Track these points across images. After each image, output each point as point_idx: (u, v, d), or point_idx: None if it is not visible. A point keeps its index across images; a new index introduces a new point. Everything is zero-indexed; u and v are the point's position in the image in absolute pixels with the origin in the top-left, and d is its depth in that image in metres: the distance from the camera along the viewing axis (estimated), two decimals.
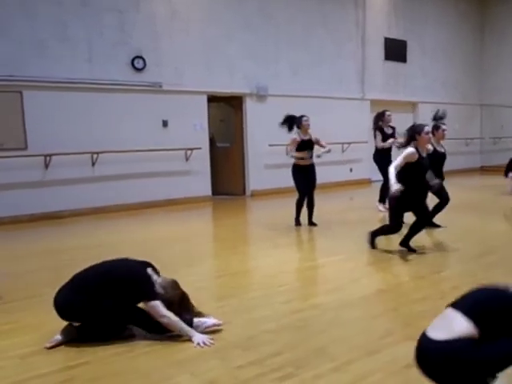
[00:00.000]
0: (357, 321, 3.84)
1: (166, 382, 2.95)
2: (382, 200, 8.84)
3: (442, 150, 7.30)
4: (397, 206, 5.65)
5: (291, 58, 12.41)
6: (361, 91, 14.11)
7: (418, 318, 3.93)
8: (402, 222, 5.85)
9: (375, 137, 9.03)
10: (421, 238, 6.53)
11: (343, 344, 3.40)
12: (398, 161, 5.61)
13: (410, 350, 3.25)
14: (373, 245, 6.10)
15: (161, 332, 3.51)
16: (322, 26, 13.03)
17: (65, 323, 3.54)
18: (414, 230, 5.93)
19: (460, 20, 16.90)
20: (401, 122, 15.08)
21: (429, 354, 2.33)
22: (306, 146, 7.62)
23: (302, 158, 7.62)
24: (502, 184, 11.23)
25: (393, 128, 9.12)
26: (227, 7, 11.27)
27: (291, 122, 7.60)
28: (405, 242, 5.96)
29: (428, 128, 5.89)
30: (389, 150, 8.92)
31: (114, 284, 3.50)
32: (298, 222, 7.83)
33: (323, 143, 7.75)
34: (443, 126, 7.30)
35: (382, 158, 8.69)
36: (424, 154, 5.76)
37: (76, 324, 3.54)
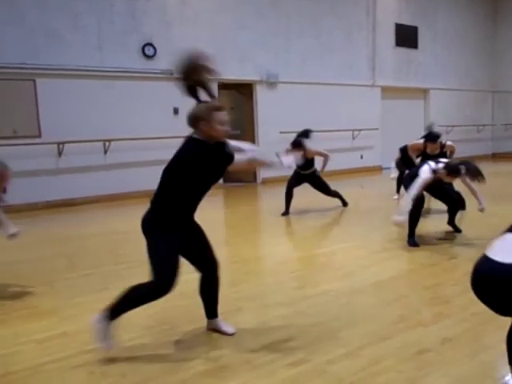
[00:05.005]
0: (369, 307, 3.86)
1: (181, 366, 2.98)
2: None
3: None
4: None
5: (301, 44, 12.35)
6: (371, 78, 14.01)
7: (431, 304, 3.95)
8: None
9: None
10: (432, 225, 6.54)
11: (355, 330, 3.41)
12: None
13: (421, 335, 3.31)
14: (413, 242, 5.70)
15: None
16: (332, 13, 12.93)
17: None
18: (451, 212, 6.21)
19: (472, 5, 16.68)
20: (412, 109, 15.21)
21: (496, 276, 2.16)
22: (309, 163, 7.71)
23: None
24: None
25: None
26: None
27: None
28: (451, 223, 6.24)
29: None
30: None
31: None
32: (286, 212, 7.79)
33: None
34: (437, 142, 7.21)
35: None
36: None
37: None
